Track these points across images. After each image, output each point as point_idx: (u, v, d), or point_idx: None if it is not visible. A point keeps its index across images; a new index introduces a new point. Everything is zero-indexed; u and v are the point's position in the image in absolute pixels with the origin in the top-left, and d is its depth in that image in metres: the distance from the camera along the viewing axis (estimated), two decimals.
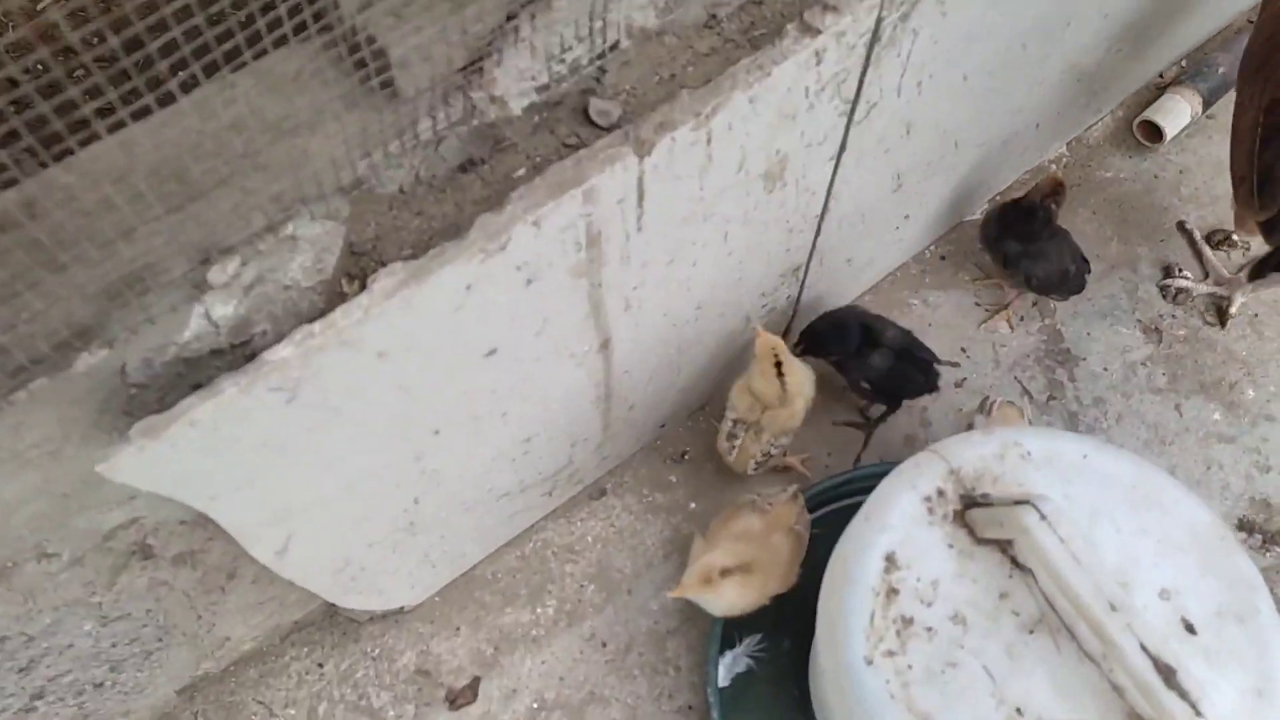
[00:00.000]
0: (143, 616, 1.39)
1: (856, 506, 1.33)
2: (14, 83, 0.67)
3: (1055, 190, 1.95)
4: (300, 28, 0.86)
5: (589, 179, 1.09)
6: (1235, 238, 2.27)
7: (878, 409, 1.99)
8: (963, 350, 2.13)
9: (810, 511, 1.78)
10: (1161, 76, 2.46)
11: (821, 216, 1.65)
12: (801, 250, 1.71)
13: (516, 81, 1.08)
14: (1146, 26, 2.05)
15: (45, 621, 1.25)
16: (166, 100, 0.76)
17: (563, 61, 1.10)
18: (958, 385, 2.09)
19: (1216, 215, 2.31)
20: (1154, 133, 2.36)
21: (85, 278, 0.90)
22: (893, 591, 1.22)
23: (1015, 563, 1.23)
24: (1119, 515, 1.25)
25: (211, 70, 0.77)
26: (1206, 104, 2.37)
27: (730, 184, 1.33)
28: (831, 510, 1.86)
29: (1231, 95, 1.91)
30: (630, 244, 1.27)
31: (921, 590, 1.22)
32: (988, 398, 1.91)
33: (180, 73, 0.74)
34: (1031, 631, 1.20)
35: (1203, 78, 2.36)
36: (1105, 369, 2.12)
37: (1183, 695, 1.05)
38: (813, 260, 1.78)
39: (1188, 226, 2.25)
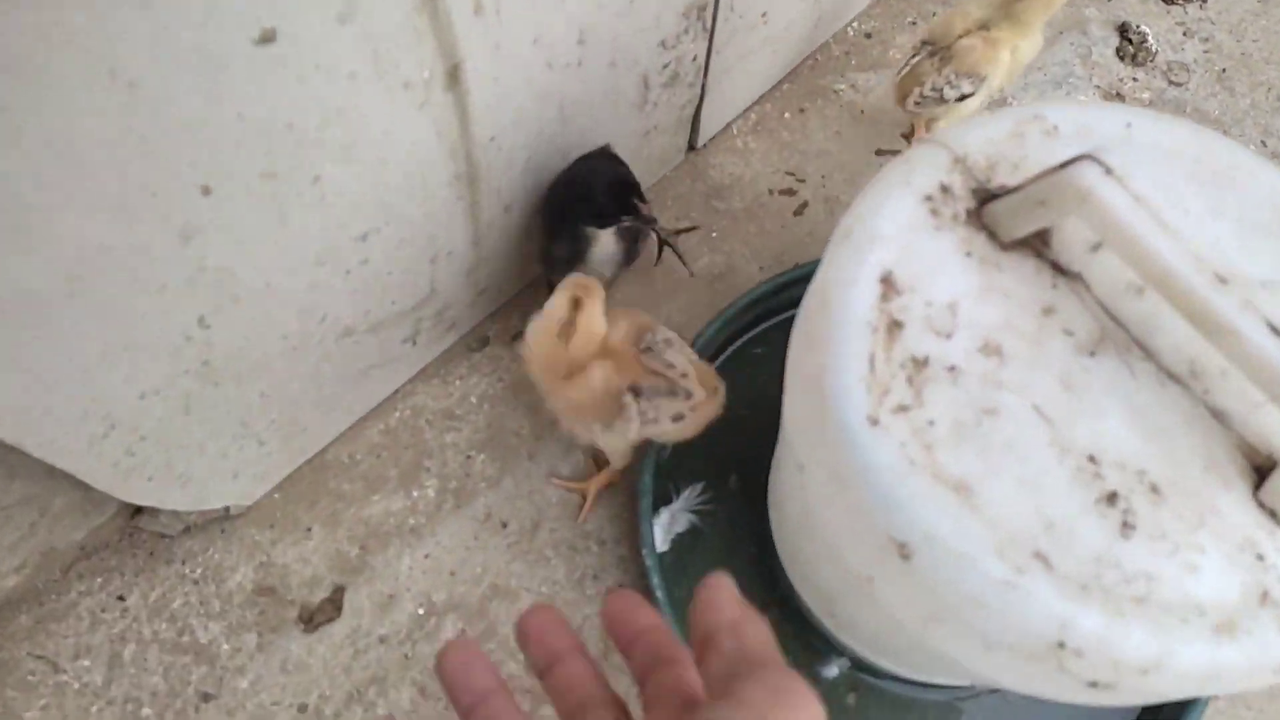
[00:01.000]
0: None
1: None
2: None
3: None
4: None
5: None
6: None
7: None
8: (904, 137, 1.77)
9: (750, 327, 1.40)
10: None
11: None
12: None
13: None
14: None
15: None
16: None
17: None
18: None
19: None
20: None
21: None
22: (896, 325, 0.83)
23: (1058, 268, 0.86)
24: (1186, 195, 0.90)
25: None
26: None
27: None
28: (775, 324, 1.48)
29: None
30: None
31: (935, 318, 0.84)
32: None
33: None
34: (1093, 354, 0.83)
35: None
36: None
37: None
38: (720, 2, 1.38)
39: None
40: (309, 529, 1.39)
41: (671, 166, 1.66)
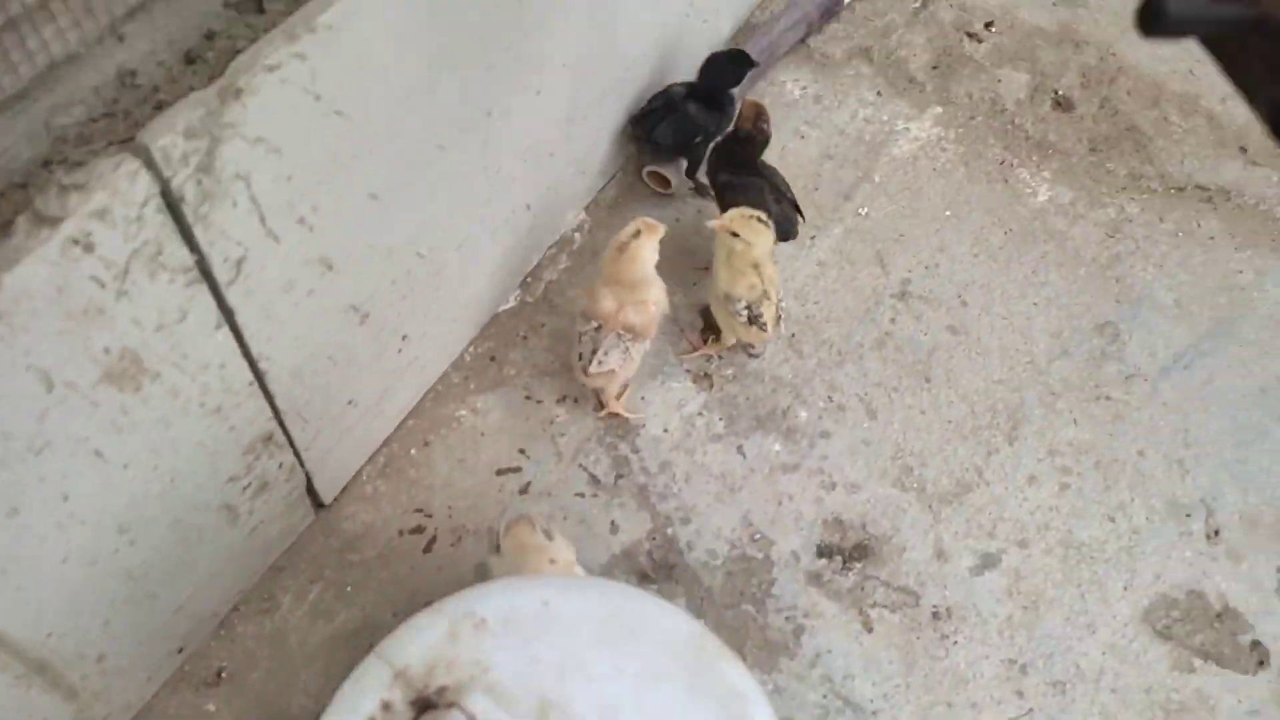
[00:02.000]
0: None
1: None
2: None
3: (758, 114, 2.10)
4: None
5: None
6: None
7: None
8: (521, 452, 1.99)
9: None
10: None
11: (261, 381, 1.42)
12: (258, 419, 1.47)
13: None
14: (602, 94, 2.03)
15: None
16: None
17: None
18: (522, 491, 1.94)
19: None
20: (664, 180, 2.36)
21: None
22: None
23: None
24: (591, 661, 1.11)
25: None
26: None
27: (55, 406, 1.07)
28: None
29: None
30: None
31: None
32: (494, 529, 1.76)
33: None
34: None
35: None
36: (666, 430, 2.06)
37: None
38: (289, 422, 1.55)
39: None
40: None
41: (299, 532, 1.81)
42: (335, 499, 1.87)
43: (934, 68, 2.76)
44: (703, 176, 2.30)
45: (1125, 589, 1.96)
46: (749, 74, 2.38)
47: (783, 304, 2.10)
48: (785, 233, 2.19)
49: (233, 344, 1.32)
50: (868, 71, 2.74)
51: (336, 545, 1.84)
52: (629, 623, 1.16)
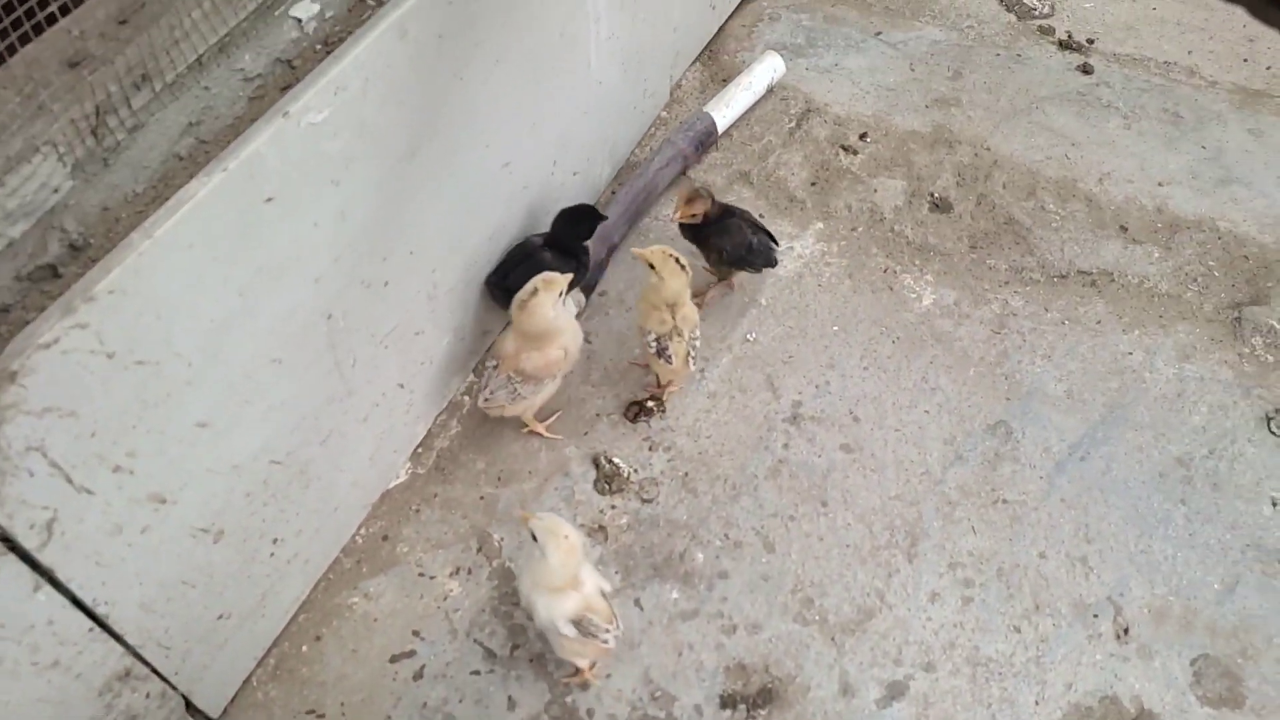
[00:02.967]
0: None
1: None
2: None
3: (693, 199, 2.29)
4: None
5: None
6: (650, 404, 2.34)
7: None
8: (415, 634, 1.98)
9: None
10: None
11: (103, 624, 1.43)
12: (108, 660, 1.48)
13: None
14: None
15: None
16: None
17: None
18: (416, 677, 1.92)
19: (629, 390, 2.37)
20: None
21: None
22: None
23: None
24: None
25: None
26: (588, 289, 2.47)
27: None
28: None
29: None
30: None
31: None
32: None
33: None
34: None
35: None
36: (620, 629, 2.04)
37: None
38: (148, 653, 1.56)
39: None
40: None
41: None
42: (224, 711, 1.85)
43: (813, 184, 2.83)
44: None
45: (1037, 703, 1.93)
46: (623, 219, 2.46)
47: (696, 342, 2.21)
48: (768, 260, 2.44)
49: (59, 599, 1.34)
50: (749, 195, 2.81)
51: None
52: None
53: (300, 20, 1.62)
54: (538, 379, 2.08)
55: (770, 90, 3.01)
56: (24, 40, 1.26)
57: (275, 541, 1.80)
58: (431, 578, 2.05)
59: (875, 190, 2.80)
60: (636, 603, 2.04)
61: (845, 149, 2.91)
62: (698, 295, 2.48)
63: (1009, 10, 3.44)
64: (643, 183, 2.65)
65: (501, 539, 2.11)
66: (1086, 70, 3.18)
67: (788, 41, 3.26)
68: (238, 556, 1.71)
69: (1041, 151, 2.92)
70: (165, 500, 1.48)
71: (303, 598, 1.98)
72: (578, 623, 1.72)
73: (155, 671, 1.60)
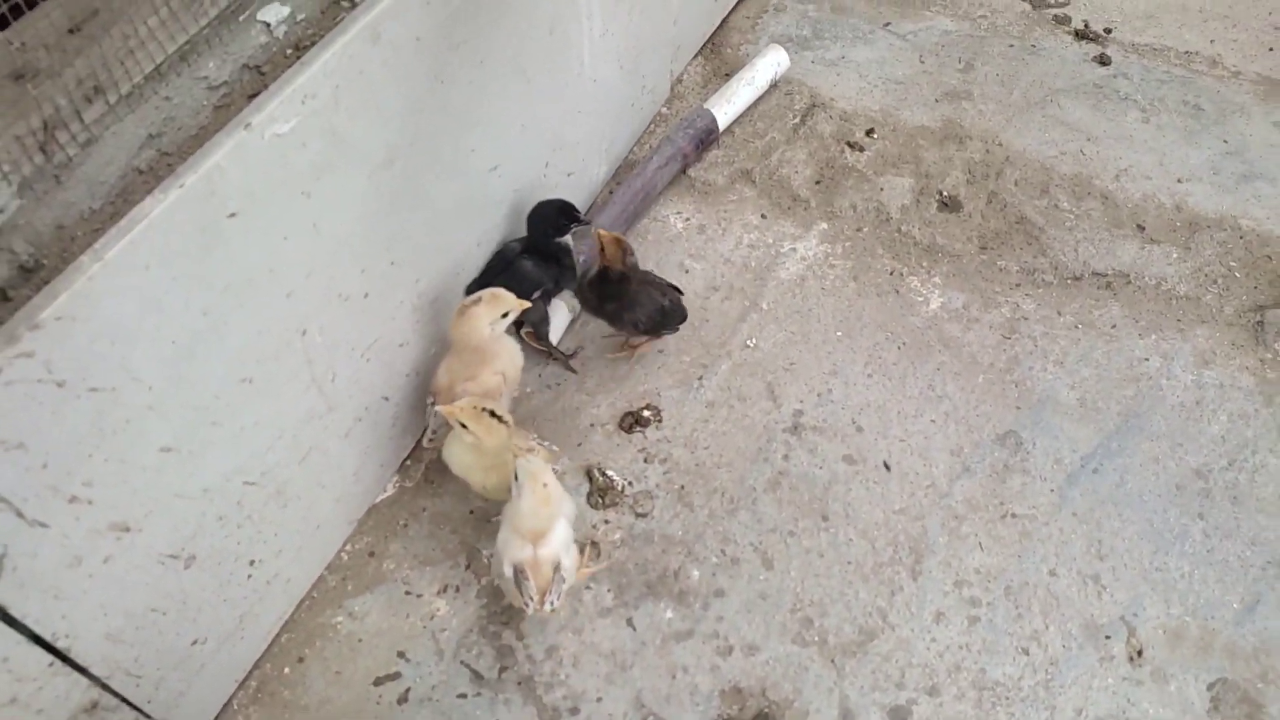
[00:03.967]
0: None
1: None
2: None
3: (624, 252, 2.06)
4: None
5: None
6: (647, 414, 2.27)
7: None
8: (400, 655, 1.92)
9: None
10: None
11: (64, 658, 1.38)
12: (73, 694, 1.43)
13: None
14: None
15: None
16: None
17: None
18: (401, 700, 1.87)
19: (625, 400, 2.29)
20: (538, 338, 2.34)
21: None
22: None
23: None
24: None
25: None
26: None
27: None
28: None
29: None
30: None
31: None
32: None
33: None
34: None
35: None
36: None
37: None
38: (116, 684, 1.50)
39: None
40: None
41: None
42: None
43: (817, 182, 2.74)
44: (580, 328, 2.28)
45: None
46: (620, 220, 2.38)
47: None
48: (683, 315, 2.27)
49: (14, 636, 1.28)
50: (751, 194, 2.73)
51: None
52: None
53: (269, 24, 1.55)
54: None
55: (774, 85, 2.92)
56: None
57: (253, 563, 1.74)
58: (418, 596, 1.99)
59: (882, 189, 2.71)
60: (629, 622, 1.97)
61: (851, 145, 2.81)
62: (628, 349, 2.34)
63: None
64: (640, 183, 2.57)
65: (490, 555, 2.05)
66: (1104, 61, 3.07)
67: (793, 33, 3.16)
68: (212, 581, 1.65)
69: (1056, 146, 2.82)
70: (129, 529, 1.42)
71: (285, 618, 1.93)
72: (516, 572, 1.76)
73: (126, 701, 1.54)
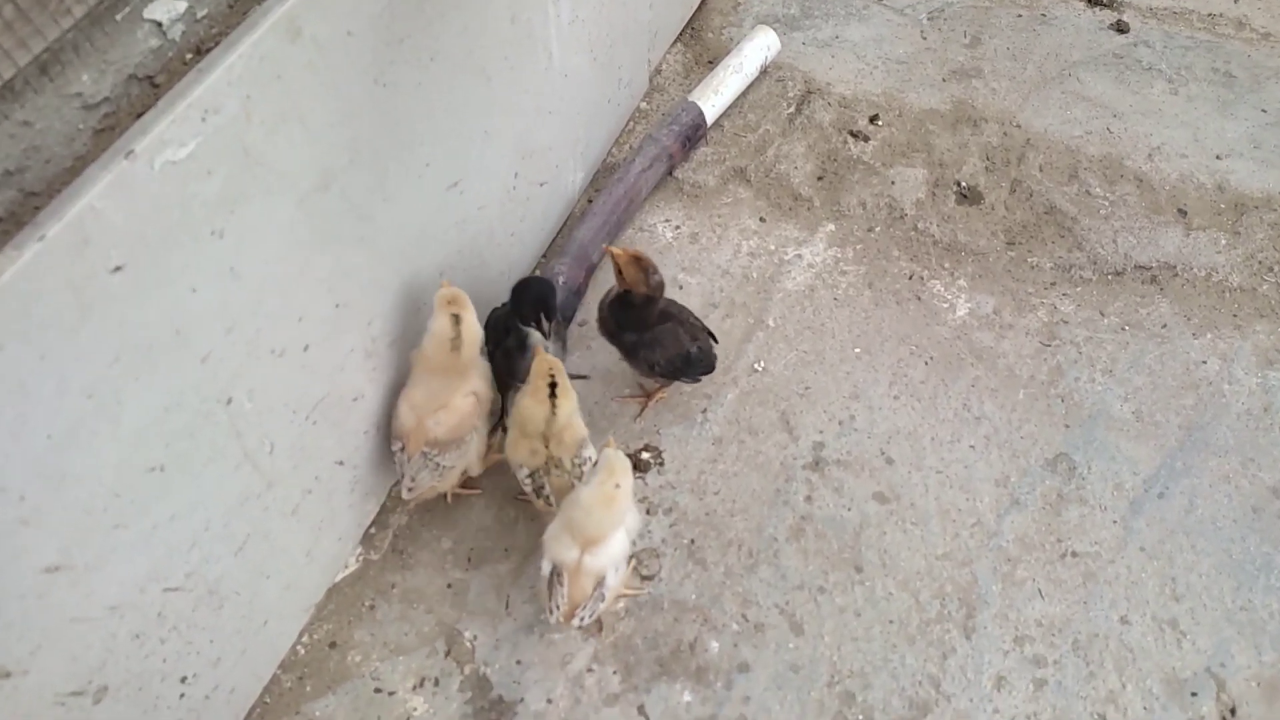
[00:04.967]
0: None
1: None
2: None
3: (645, 271, 1.79)
4: None
5: None
6: (646, 456, 1.97)
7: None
8: None
9: None
10: None
11: None
12: None
13: None
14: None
15: None
16: None
17: None
18: None
19: (621, 438, 2.00)
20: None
21: None
22: None
23: None
24: None
25: None
26: (566, 320, 2.10)
27: None
28: None
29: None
30: None
31: None
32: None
33: None
34: None
35: None
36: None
37: None
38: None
39: None
40: None
41: None
42: None
43: (819, 178, 2.46)
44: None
45: None
46: (603, 232, 2.09)
47: (584, 467, 1.72)
48: (709, 367, 1.97)
49: None
50: (747, 195, 2.44)
51: None
52: None
53: (160, 24, 1.23)
54: (456, 440, 1.71)
55: (764, 71, 2.63)
56: None
57: (185, 680, 1.43)
58: (391, 693, 1.69)
59: (892, 182, 2.42)
60: (640, 710, 1.68)
61: (854, 135, 2.52)
62: (637, 397, 2.06)
63: None
64: (623, 188, 2.27)
65: (475, 637, 1.75)
66: (1121, 29, 2.80)
67: (779, 13, 2.87)
68: (133, 709, 1.35)
69: (1080, 125, 2.54)
70: (10, 673, 1.11)
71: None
72: (553, 573, 1.58)
73: None
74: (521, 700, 1.69)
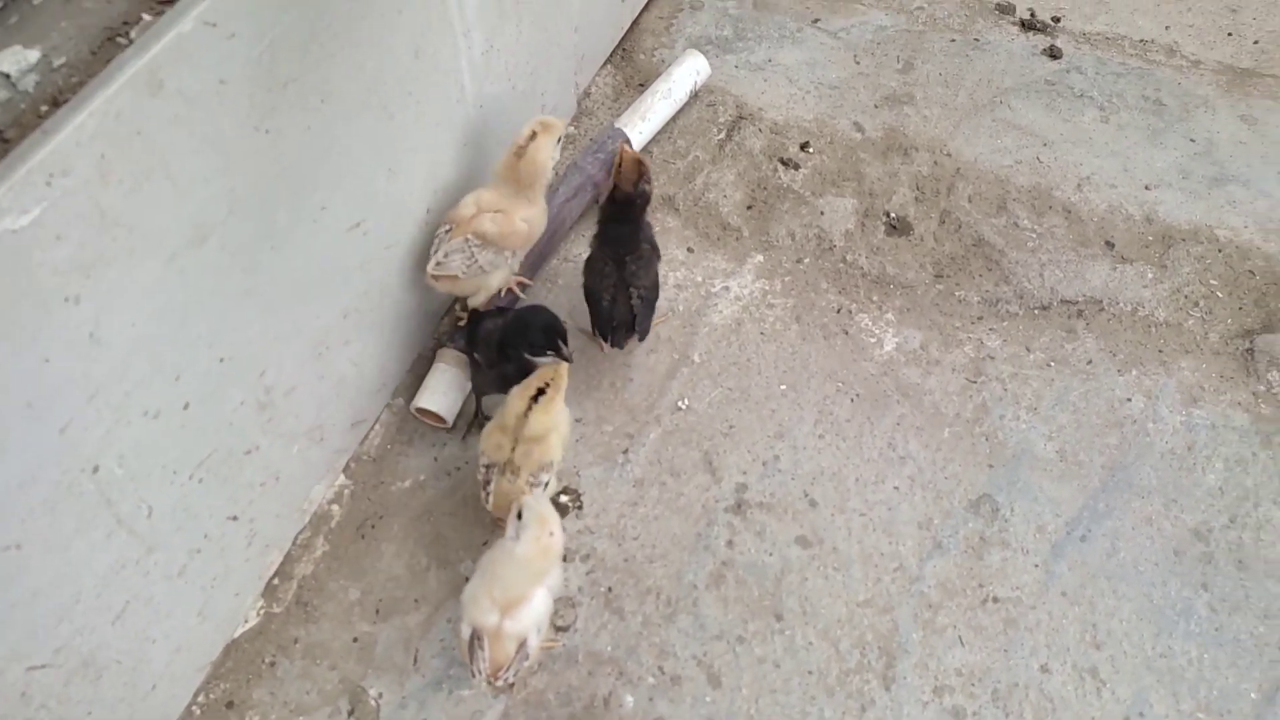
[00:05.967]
0: None
1: None
2: None
3: (640, 174, 1.90)
4: None
5: None
6: (564, 499, 1.92)
7: None
8: None
9: None
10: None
11: None
12: None
13: None
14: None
15: None
16: None
17: None
18: None
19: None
20: (437, 416, 1.97)
21: None
22: None
23: None
24: None
25: None
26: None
27: None
28: None
29: None
30: None
31: None
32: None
33: None
34: None
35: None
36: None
37: None
38: None
39: None
40: None
41: None
42: None
43: (749, 207, 2.41)
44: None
45: None
46: (526, 263, 2.03)
47: (536, 488, 1.69)
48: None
49: None
50: (675, 224, 2.39)
51: None
52: None
53: (9, 75, 1.15)
54: (498, 248, 1.85)
55: (694, 95, 2.58)
56: None
57: None
58: None
59: (822, 212, 2.39)
60: None
61: (785, 163, 2.49)
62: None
63: None
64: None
65: (380, 695, 1.69)
66: (1054, 54, 2.79)
67: (712, 34, 2.82)
68: None
69: (1010, 154, 2.53)
70: None
71: None
72: (474, 637, 1.53)
73: None
74: None
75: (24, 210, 1.04)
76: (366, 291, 1.79)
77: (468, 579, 1.63)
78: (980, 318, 2.22)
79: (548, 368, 1.72)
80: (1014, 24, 2.90)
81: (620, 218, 1.95)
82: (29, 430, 1.14)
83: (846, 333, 2.19)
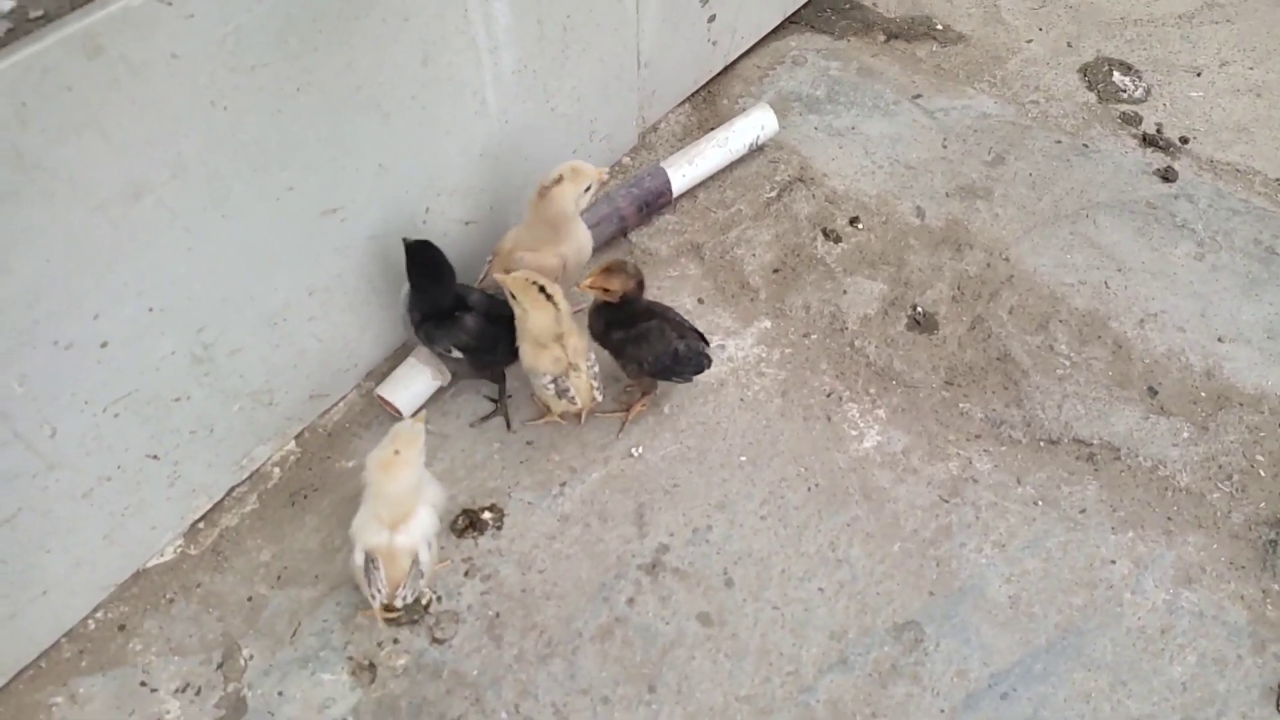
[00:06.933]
0: None
1: None
2: None
3: (612, 271, 1.86)
4: None
5: None
6: (486, 516, 1.94)
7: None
8: None
9: None
10: None
11: None
12: None
13: None
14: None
15: None
16: None
17: None
18: None
19: (469, 493, 1.97)
20: (395, 408, 2.03)
21: None
22: None
23: None
24: None
25: None
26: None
27: None
28: None
29: None
30: None
31: None
32: None
33: None
34: None
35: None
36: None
37: None
38: None
39: None
40: None
41: None
42: None
43: (775, 271, 2.35)
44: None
45: None
46: None
47: (595, 370, 1.92)
48: (699, 367, 1.99)
49: None
50: (695, 272, 2.36)
51: None
52: None
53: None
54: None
55: (759, 148, 2.54)
56: None
57: None
58: (153, 690, 1.72)
59: (845, 291, 2.29)
60: None
61: (827, 234, 2.40)
62: (617, 413, 2.09)
63: (1091, 88, 2.83)
64: None
65: (250, 657, 1.76)
66: (1168, 177, 2.56)
67: (805, 92, 2.77)
68: None
69: (1075, 273, 2.34)
70: None
71: None
72: (368, 559, 1.64)
73: None
74: None
75: None
76: (341, 274, 1.87)
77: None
78: (978, 436, 2.07)
79: (513, 275, 1.84)
80: (1134, 136, 2.69)
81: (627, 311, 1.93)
82: None
83: (829, 419, 2.09)
